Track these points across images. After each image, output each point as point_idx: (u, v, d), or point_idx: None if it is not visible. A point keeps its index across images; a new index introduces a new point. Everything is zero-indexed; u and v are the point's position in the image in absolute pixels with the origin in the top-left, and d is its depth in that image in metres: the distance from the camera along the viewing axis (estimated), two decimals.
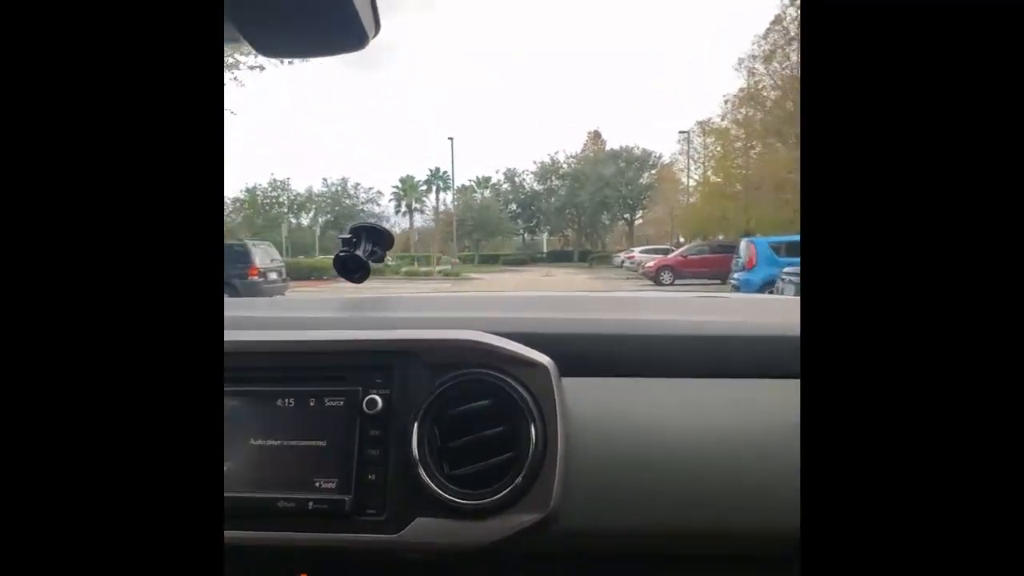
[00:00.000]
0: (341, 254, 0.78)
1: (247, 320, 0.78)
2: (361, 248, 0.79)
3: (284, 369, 0.65)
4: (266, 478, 0.61)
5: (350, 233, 0.79)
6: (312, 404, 0.62)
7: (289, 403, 0.63)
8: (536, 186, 45.60)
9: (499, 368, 0.60)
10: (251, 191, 38.99)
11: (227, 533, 0.60)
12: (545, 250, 45.60)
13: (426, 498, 0.58)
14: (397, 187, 43.31)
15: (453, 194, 42.45)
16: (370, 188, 38.37)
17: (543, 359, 0.60)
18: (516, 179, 45.68)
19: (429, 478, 0.58)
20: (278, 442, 0.62)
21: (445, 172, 45.27)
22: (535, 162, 43.44)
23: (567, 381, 0.62)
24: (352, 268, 0.78)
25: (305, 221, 39.04)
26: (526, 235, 48.12)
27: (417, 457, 0.58)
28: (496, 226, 41.18)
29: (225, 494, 0.61)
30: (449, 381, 0.60)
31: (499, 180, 44.56)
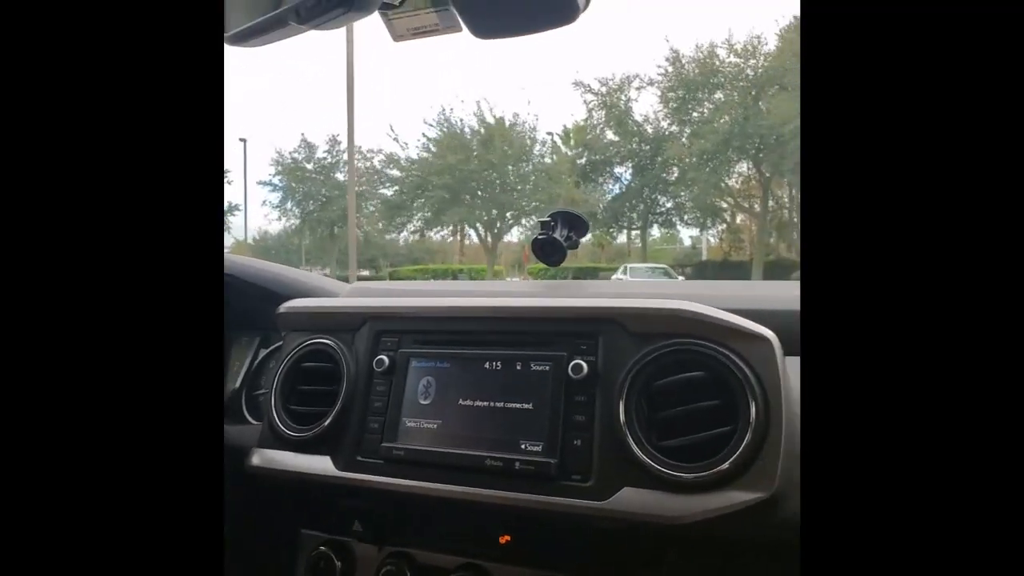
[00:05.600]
0: (540, 237, 0.81)
1: (437, 289, 0.82)
2: (558, 232, 0.81)
3: (492, 333, 0.67)
4: (474, 437, 0.63)
5: (549, 217, 0.82)
6: (519, 368, 0.64)
7: (496, 366, 0.65)
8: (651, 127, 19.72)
9: (715, 340, 0.57)
10: None
11: (436, 485, 0.63)
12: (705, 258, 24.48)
13: (634, 468, 0.56)
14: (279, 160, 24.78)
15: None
16: None
17: (767, 333, 0.56)
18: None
19: (637, 447, 0.56)
20: (486, 403, 0.64)
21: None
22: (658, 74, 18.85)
23: (791, 360, 0.57)
24: (549, 251, 0.80)
25: None
26: (632, 231, 22.93)
27: (624, 425, 0.57)
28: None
29: (435, 449, 0.64)
30: (658, 351, 0.58)
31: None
